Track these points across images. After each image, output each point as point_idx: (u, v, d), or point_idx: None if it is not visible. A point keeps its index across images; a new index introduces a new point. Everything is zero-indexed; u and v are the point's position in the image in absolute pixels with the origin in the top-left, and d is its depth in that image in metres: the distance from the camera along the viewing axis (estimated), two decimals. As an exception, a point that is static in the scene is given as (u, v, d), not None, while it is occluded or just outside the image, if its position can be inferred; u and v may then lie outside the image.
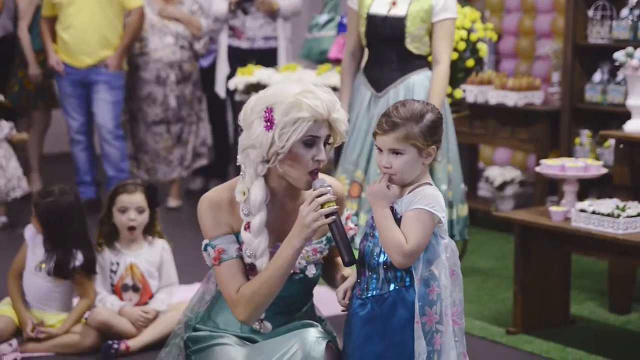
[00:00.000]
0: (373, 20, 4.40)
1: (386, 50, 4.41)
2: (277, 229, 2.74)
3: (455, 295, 2.66)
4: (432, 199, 2.65)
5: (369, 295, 2.70)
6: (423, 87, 4.41)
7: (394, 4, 4.39)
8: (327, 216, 2.61)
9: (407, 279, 2.65)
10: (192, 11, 6.80)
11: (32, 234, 4.28)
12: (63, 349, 4.20)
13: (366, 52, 4.57)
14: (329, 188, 2.64)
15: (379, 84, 4.41)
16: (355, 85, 4.53)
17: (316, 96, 2.63)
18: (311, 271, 2.76)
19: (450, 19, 4.39)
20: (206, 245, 2.71)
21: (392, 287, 2.67)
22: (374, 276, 2.70)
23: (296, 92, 2.64)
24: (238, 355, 2.67)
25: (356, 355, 2.69)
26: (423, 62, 4.46)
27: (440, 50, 4.36)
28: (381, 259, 2.68)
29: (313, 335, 2.69)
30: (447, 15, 4.38)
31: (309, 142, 2.65)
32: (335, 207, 2.63)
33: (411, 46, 4.38)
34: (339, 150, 4.66)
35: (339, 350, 2.75)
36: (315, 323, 2.78)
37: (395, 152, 2.67)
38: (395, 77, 4.42)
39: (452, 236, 4.53)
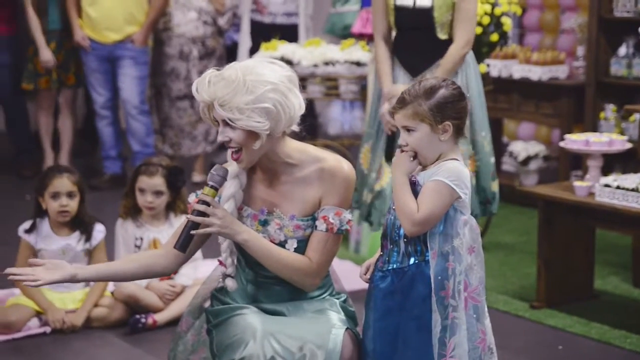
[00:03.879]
0: (401, 12, 4.42)
1: (418, 38, 4.44)
2: (255, 197, 2.83)
3: (474, 272, 2.67)
4: (455, 174, 2.65)
5: (390, 268, 2.72)
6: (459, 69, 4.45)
7: None
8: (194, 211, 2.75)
9: (427, 254, 2.67)
10: None
11: (27, 228, 4.30)
12: (92, 322, 4.26)
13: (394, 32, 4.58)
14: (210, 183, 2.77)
15: (414, 69, 4.41)
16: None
17: (202, 82, 2.70)
18: (292, 245, 2.79)
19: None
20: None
21: (412, 260, 2.69)
22: (395, 249, 2.72)
23: None
24: (255, 321, 2.72)
25: (376, 327, 2.73)
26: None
27: (457, 30, 4.37)
28: (402, 231, 2.69)
29: (333, 322, 2.75)
30: None
31: (218, 121, 2.74)
32: (201, 206, 2.74)
33: (441, 34, 4.40)
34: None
35: (357, 336, 2.80)
36: (337, 307, 2.83)
37: (408, 129, 2.69)
38: (430, 63, 4.43)
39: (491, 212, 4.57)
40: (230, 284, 2.84)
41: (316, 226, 2.78)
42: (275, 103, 2.68)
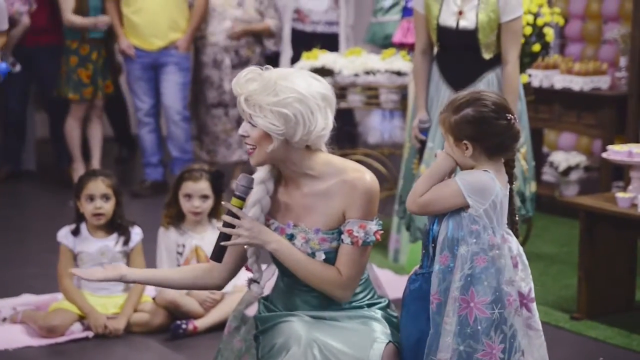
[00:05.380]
0: (444, 32, 4.44)
1: (462, 57, 4.47)
2: (281, 209, 2.85)
3: (485, 284, 2.64)
4: (472, 182, 2.65)
5: (422, 272, 2.76)
6: (499, 81, 4.48)
7: (460, 13, 4.40)
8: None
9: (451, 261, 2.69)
10: (259, 11, 6.78)
11: (65, 233, 4.35)
12: (133, 327, 4.31)
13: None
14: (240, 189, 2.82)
15: (457, 85, 4.43)
16: (433, 81, 4.57)
17: (240, 75, 2.75)
18: (320, 257, 2.80)
19: (517, 19, 4.41)
20: None
21: (437, 267, 2.71)
22: (426, 254, 2.76)
23: None
24: (301, 328, 2.74)
25: (407, 330, 2.77)
26: (497, 59, 4.49)
27: (509, 50, 4.42)
28: (431, 237, 2.73)
29: (376, 335, 2.77)
30: (514, 16, 4.41)
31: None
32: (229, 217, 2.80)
33: (486, 54, 4.43)
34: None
35: (399, 348, 2.81)
36: (380, 318, 2.83)
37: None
38: (473, 78, 4.46)
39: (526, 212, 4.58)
40: (255, 289, 2.88)
41: (342, 240, 2.79)
42: (296, 112, 2.70)
